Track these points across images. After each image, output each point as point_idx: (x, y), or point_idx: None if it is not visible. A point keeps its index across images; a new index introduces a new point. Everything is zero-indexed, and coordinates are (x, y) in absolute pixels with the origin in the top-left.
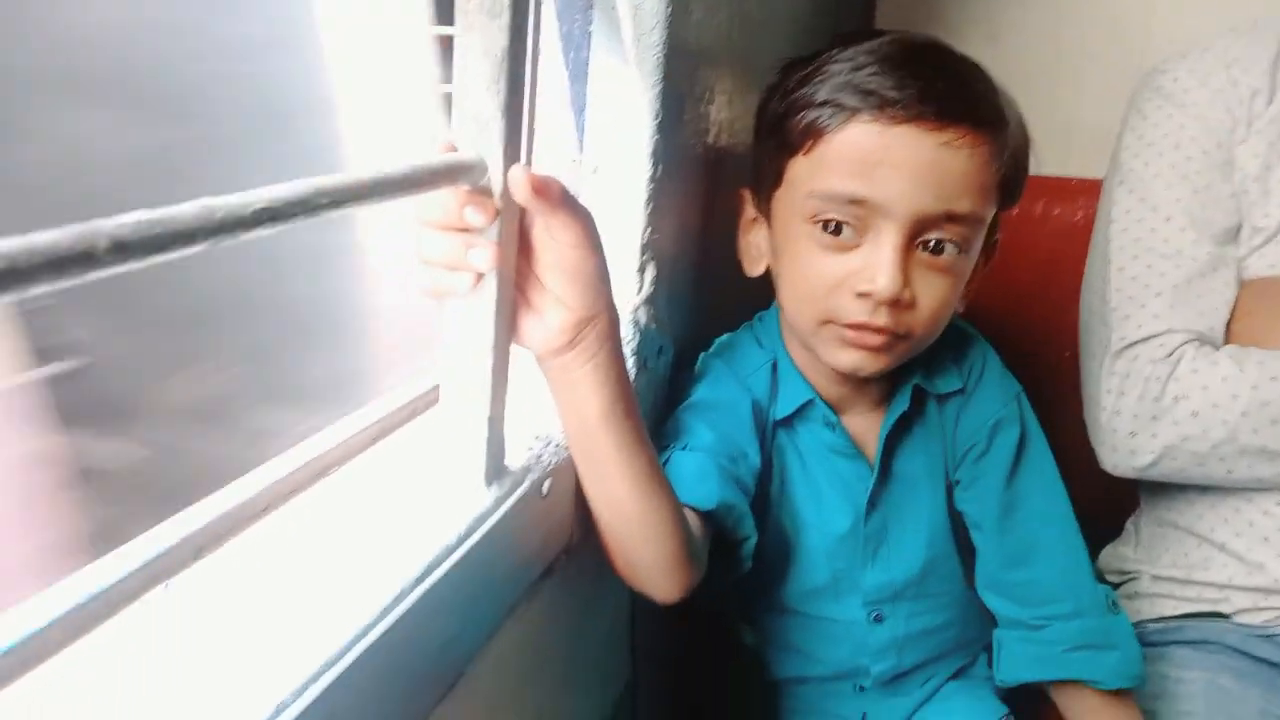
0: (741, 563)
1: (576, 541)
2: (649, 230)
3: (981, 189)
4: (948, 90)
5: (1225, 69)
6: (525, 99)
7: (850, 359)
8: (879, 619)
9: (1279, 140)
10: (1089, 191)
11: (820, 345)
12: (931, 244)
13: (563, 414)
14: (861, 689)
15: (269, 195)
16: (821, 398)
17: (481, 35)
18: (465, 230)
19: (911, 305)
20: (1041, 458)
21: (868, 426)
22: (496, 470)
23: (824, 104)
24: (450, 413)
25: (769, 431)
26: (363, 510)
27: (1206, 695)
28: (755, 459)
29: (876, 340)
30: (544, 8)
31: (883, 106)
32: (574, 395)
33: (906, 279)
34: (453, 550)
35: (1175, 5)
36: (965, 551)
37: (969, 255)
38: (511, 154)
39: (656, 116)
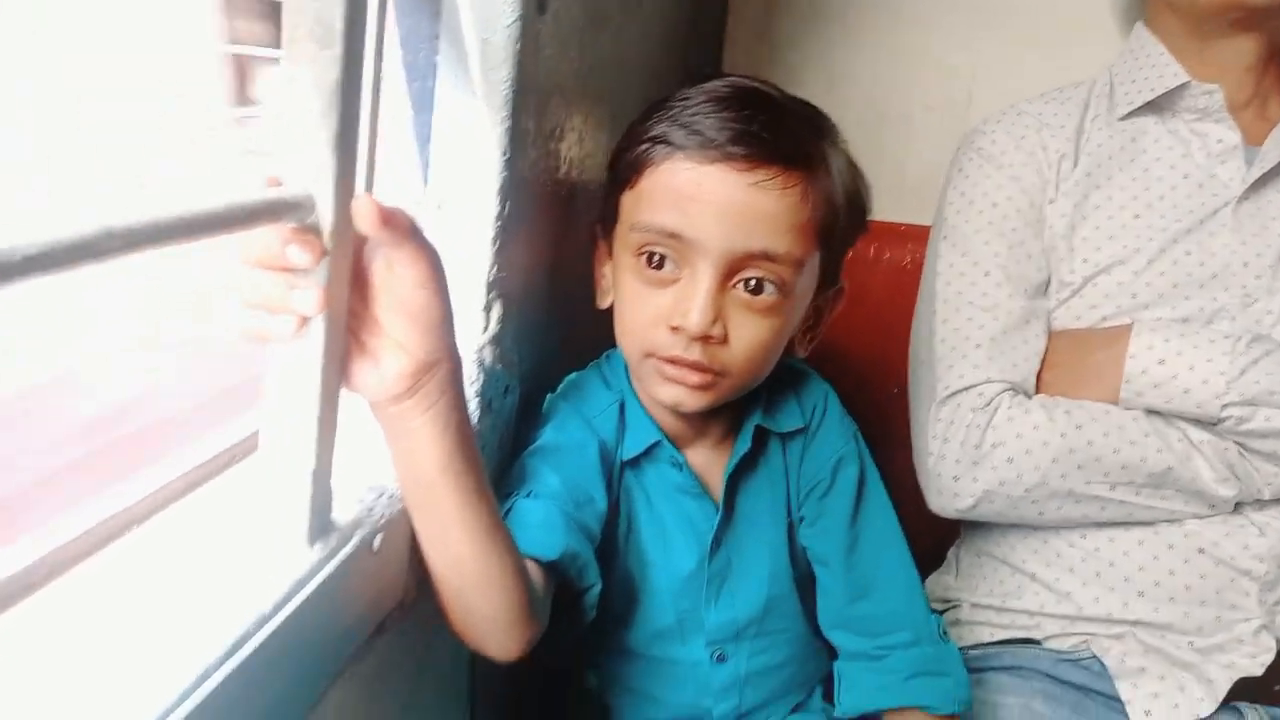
0: (585, 612)
1: (411, 596)
2: (495, 268)
3: (794, 230)
4: (763, 131)
5: (1037, 133)
6: (362, 131)
7: (670, 394)
8: (721, 659)
9: (1083, 201)
10: (918, 237)
11: (644, 378)
12: (751, 284)
13: (398, 464)
14: None
15: (44, 241)
16: (668, 436)
17: (310, 66)
18: (288, 270)
19: (725, 342)
20: (878, 493)
21: (712, 464)
22: (322, 527)
23: (652, 139)
24: (271, 465)
25: (616, 472)
26: (172, 571)
27: (1022, 718)
28: (602, 503)
29: (694, 378)
30: (387, 35)
31: (702, 146)
32: (411, 445)
33: (719, 315)
34: (269, 618)
35: (998, 66)
36: (802, 589)
37: (791, 297)
38: (344, 189)
39: (505, 152)
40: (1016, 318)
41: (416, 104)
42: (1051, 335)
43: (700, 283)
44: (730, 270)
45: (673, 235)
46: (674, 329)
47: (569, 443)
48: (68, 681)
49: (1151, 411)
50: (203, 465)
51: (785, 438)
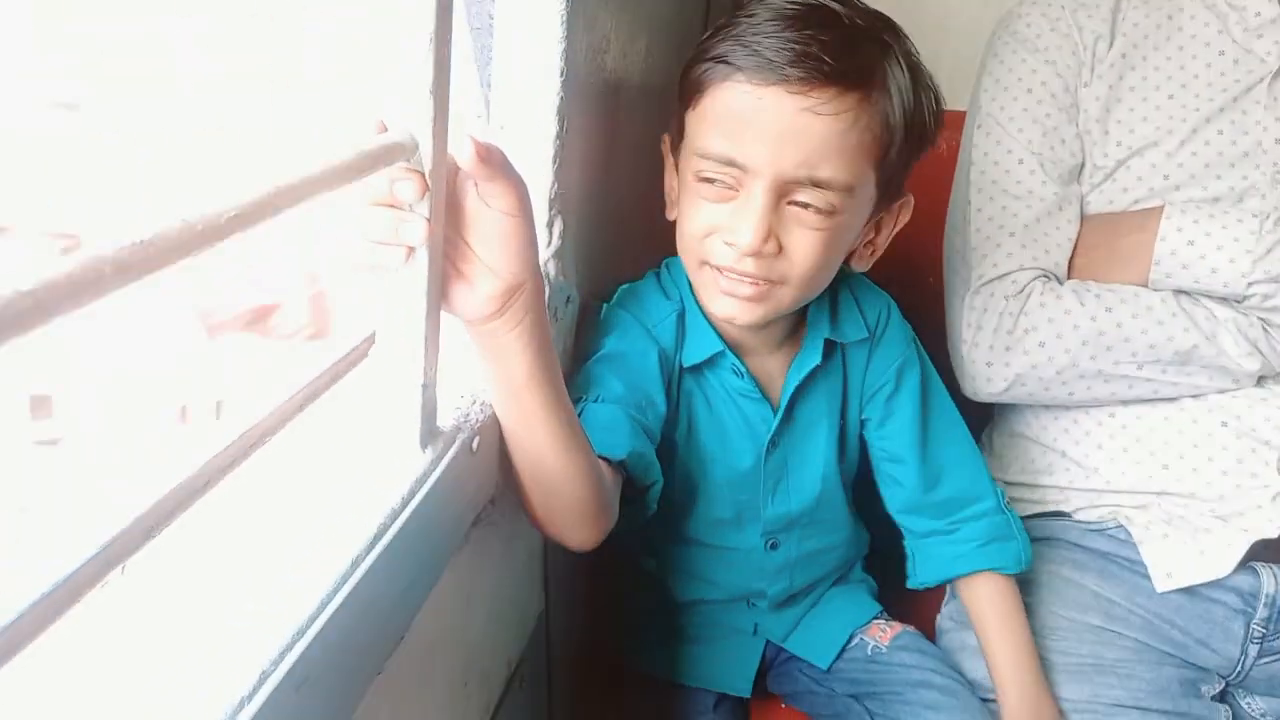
0: (648, 506)
1: (500, 490)
2: (555, 185)
3: (844, 155)
4: (823, 53)
5: (1072, 14)
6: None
7: (724, 307)
8: (774, 546)
9: (1118, 83)
10: (954, 124)
11: (701, 290)
12: (803, 203)
13: (491, 375)
14: (753, 605)
15: (238, 203)
16: (729, 344)
17: (411, 17)
18: (396, 206)
19: (779, 254)
20: (939, 389)
21: (772, 370)
22: (431, 432)
23: (714, 59)
24: (385, 379)
25: (675, 378)
26: (308, 480)
27: (1050, 584)
28: (662, 406)
29: (747, 289)
30: None
31: (760, 68)
32: (502, 358)
33: (771, 232)
34: (397, 514)
35: None
36: (847, 481)
37: (844, 215)
38: (440, 131)
39: (562, 73)
40: (1050, 204)
41: (475, 26)
42: (1085, 219)
43: (753, 201)
44: (782, 191)
45: (728, 162)
46: (728, 244)
47: (631, 350)
48: (243, 572)
49: (1179, 291)
50: (320, 375)
51: (846, 346)
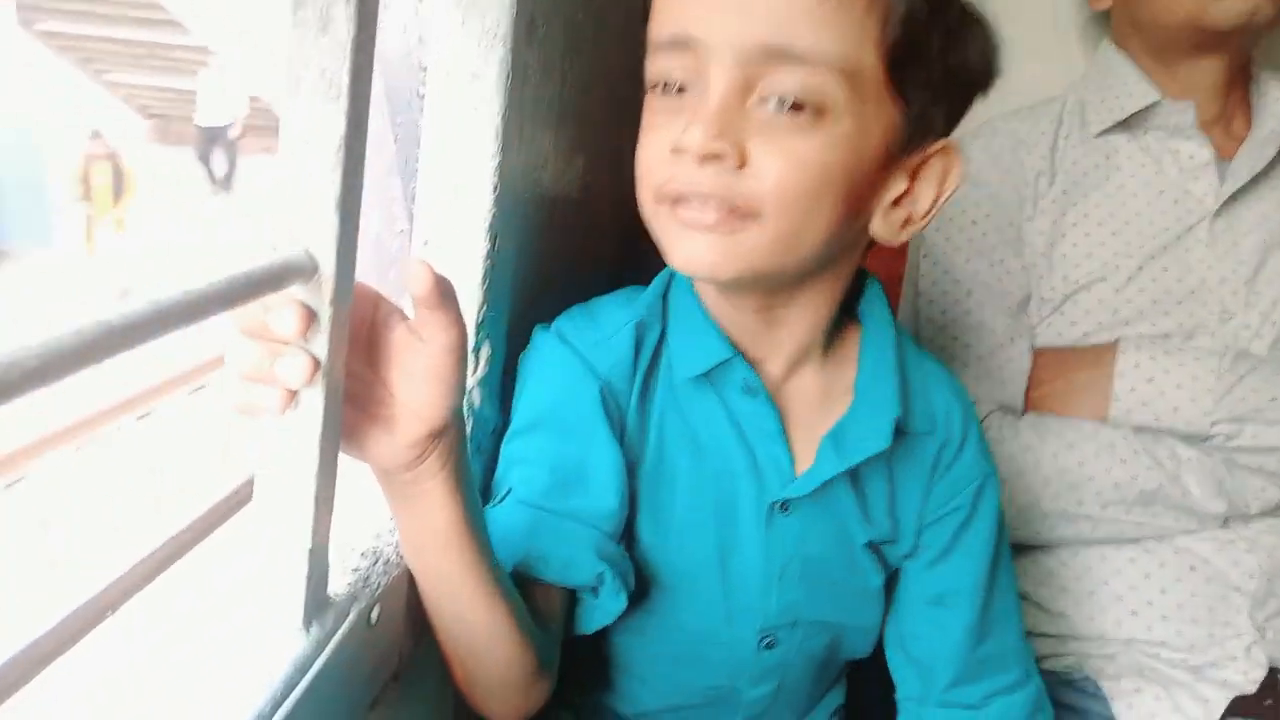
0: (616, 601)
1: (405, 663)
2: (485, 308)
3: (831, 21)
4: None
5: (1012, 151)
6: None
7: (688, 248)
8: (770, 645)
9: (1061, 219)
10: (899, 250)
11: (660, 234)
12: (779, 100)
13: (405, 529)
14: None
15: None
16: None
17: (318, 121)
18: (274, 340)
19: (746, 167)
20: (1003, 524)
21: (791, 402)
22: (318, 605)
23: None
24: (264, 543)
25: (635, 409)
26: (164, 659)
27: None
28: (613, 460)
29: (711, 215)
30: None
31: None
32: (420, 511)
33: (731, 130)
34: (270, 713)
35: None
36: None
37: (840, 121)
38: (346, 249)
39: (495, 189)
40: (1002, 337)
41: (399, 137)
42: (1036, 353)
43: (709, 90)
44: (749, 79)
45: (676, 43)
46: (675, 152)
47: (556, 399)
48: None
49: (1140, 429)
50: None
51: (916, 440)
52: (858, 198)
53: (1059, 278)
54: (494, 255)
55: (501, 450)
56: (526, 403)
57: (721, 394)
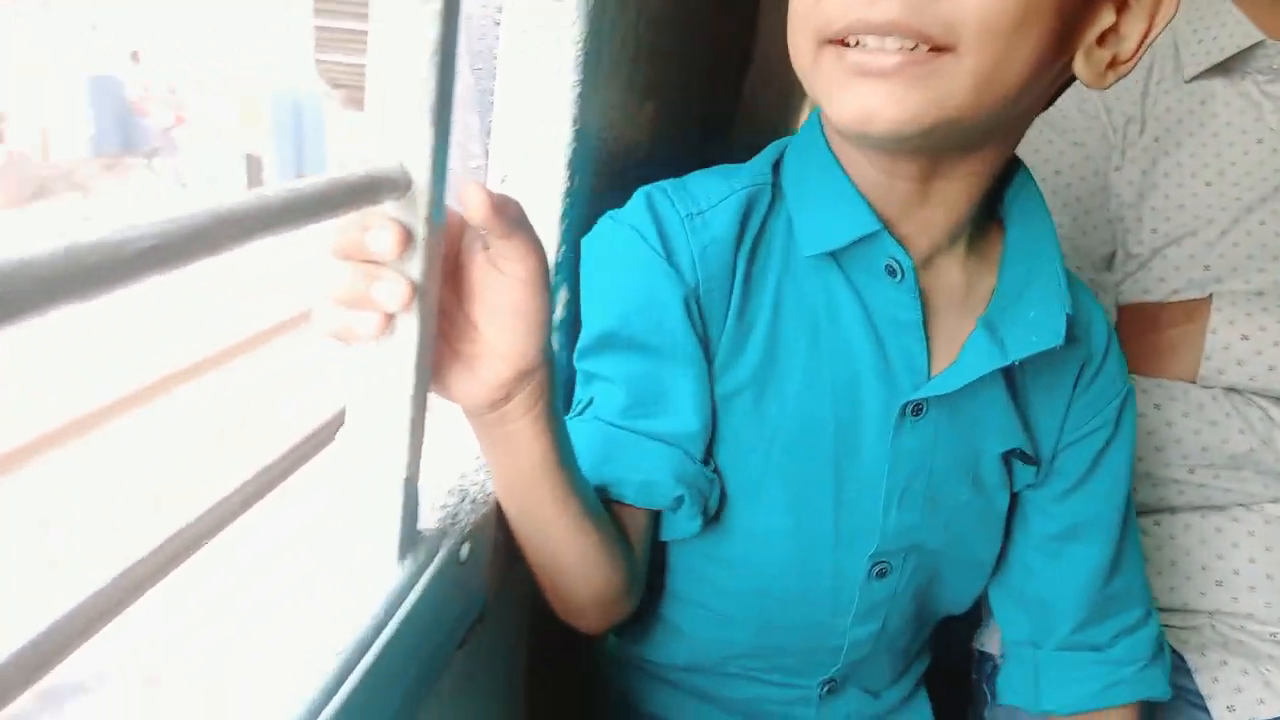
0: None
1: (491, 604)
2: (562, 248)
3: None
4: None
5: (1100, 96)
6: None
7: (861, 99)
8: (882, 574)
9: (1152, 169)
10: None
11: (824, 90)
12: None
13: (495, 468)
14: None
15: (154, 229)
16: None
17: (408, 24)
18: (371, 260)
19: None
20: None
21: (933, 291)
22: (410, 539)
23: None
24: (357, 474)
25: (737, 296)
26: (264, 592)
27: None
28: (698, 365)
29: (892, 60)
30: None
31: None
32: (508, 450)
33: None
34: (366, 646)
35: None
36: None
37: None
38: (439, 165)
39: (575, 121)
40: None
41: (476, 68)
42: (1121, 309)
43: None
44: None
45: None
46: None
47: (632, 311)
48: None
49: (1230, 389)
50: (273, 464)
51: (1063, 351)
52: (1064, 27)
53: (1148, 231)
54: (573, 193)
55: (575, 361)
56: (599, 310)
57: (851, 276)
